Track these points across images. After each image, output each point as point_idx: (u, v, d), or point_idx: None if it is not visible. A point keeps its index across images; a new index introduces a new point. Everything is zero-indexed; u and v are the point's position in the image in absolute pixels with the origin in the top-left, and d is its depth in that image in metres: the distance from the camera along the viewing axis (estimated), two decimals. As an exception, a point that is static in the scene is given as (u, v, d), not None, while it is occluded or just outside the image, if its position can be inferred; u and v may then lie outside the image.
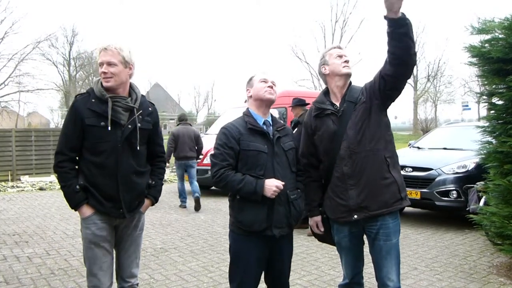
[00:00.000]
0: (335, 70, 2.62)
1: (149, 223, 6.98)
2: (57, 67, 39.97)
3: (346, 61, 2.62)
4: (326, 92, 2.73)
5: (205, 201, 9.19)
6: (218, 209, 8.21)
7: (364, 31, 64.86)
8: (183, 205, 8.53)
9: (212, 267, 4.70)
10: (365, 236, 2.69)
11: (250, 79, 2.73)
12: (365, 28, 70.79)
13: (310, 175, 2.76)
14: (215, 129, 11.62)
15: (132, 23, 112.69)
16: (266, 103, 2.65)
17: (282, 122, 2.79)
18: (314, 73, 37.43)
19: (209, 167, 2.70)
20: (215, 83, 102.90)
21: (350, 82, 2.69)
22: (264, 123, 2.64)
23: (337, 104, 2.64)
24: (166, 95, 65.75)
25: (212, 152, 2.66)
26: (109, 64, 2.53)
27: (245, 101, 13.21)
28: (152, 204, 2.85)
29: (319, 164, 2.72)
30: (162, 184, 2.97)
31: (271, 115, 2.74)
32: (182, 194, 8.51)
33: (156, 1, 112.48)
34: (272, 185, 2.45)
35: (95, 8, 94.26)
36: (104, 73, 2.53)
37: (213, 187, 10.82)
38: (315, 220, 2.76)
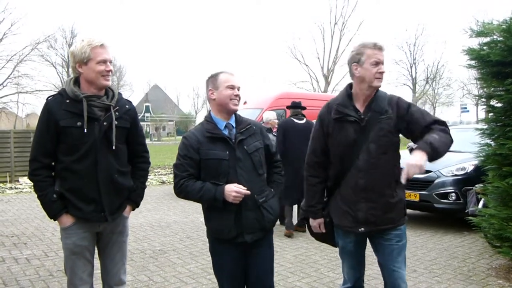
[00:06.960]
0: (367, 79, 2.42)
1: (148, 225, 6.98)
2: (56, 68, 39.71)
3: (381, 72, 2.42)
4: (350, 95, 2.53)
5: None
6: (217, 211, 8.19)
7: (363, 33, 64.77)
8: None
9: (211, 269, 4.60)
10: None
11: (215, 78, 2.50)
12: (364, 30, 70.63)
13: (317, 176, 2.63)
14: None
15: (130, 24, 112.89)
16: (229, 111, 2.51)
17: (247, 121, 2.60)
18: (313, 75, 37.40)
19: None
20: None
21: (377, 89, 2.51)
22: (226, 126, 2.50)
23: (361, 111, 2.48)
24: (165, 96, 65.71)
25: None
26: (110, 62, 2.42)
27: (244, 103, 13.01)
28: (133, 209, 2.71)
29: (328, 165, 2.60)
30: (144, 188, 2.76)
31: (235, 115, 2.56)
32: None
33: (155, 2, 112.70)
34: (231, 190, 2.33)
35: (94, 9, 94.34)
36: (108, 71, 2.41)
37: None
38: (318, 222, 2.68)
